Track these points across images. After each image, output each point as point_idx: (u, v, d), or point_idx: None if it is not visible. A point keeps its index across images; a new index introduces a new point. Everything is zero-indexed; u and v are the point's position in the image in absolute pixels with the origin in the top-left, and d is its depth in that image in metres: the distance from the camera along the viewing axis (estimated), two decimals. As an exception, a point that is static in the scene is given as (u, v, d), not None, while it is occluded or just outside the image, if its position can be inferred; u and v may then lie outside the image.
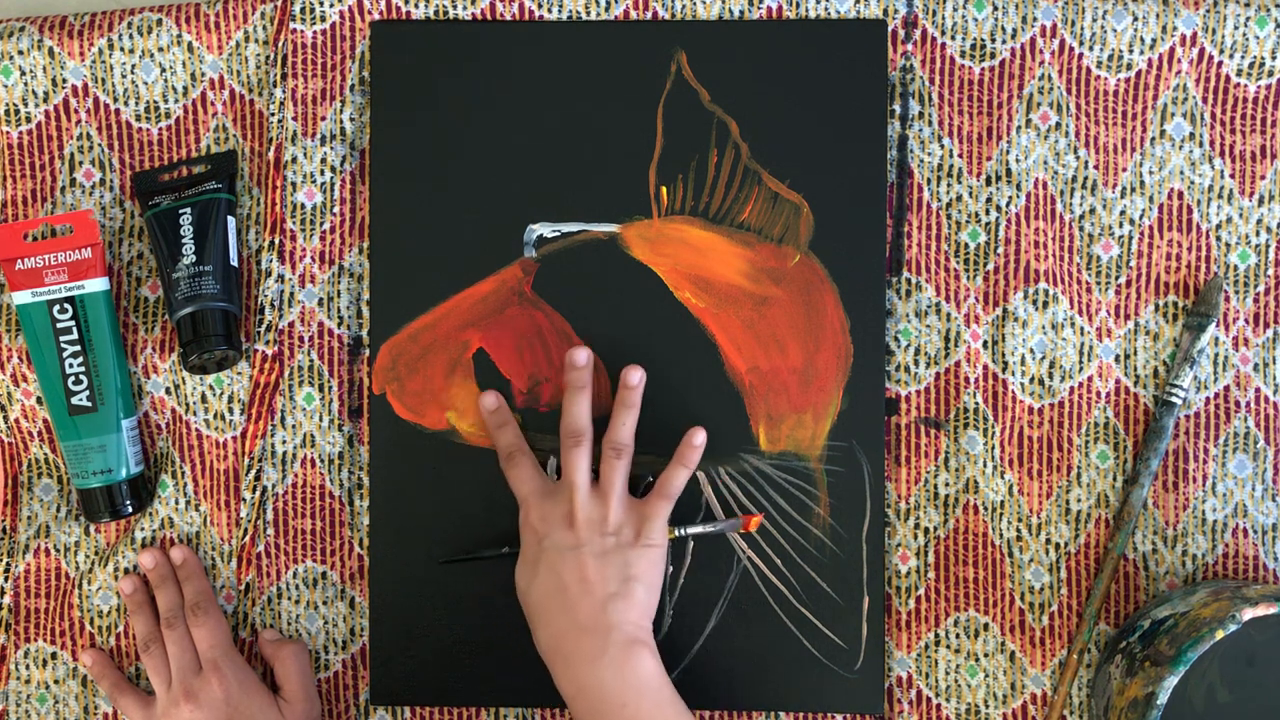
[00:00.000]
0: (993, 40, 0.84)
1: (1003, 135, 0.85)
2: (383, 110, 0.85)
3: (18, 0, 0.91)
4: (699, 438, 0.82)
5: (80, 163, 0.86)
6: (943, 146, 0.85)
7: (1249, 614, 0.74)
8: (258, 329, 0.85)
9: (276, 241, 0.85)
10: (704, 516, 0.84)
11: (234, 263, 0.84)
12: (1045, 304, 0.84)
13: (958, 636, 0.85)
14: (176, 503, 0.86)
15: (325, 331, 0.86)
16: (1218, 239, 0.85)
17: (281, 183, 0.85)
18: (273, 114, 0.85)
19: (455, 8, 0.86)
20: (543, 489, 0.81)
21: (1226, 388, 0.84)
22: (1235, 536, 0.84)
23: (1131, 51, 0.84)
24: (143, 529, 0.86)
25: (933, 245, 0.85)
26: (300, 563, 0.86)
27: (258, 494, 0.85)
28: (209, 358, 0.83)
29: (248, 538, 0.86)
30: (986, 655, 0.85)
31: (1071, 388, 0.85)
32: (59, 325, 0.83)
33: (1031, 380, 0.84)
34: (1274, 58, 0.84)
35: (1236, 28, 0.84)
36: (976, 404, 0.85)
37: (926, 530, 0.85)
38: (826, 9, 0.85)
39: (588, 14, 0.85)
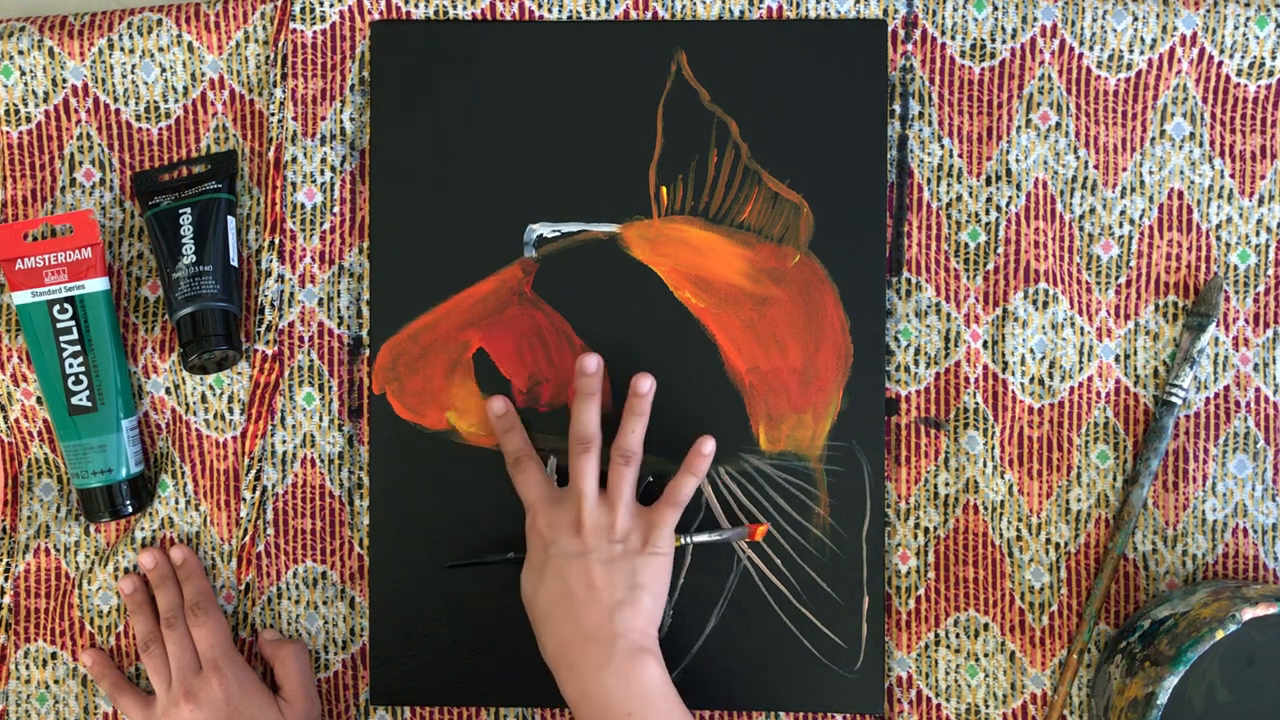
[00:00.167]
0: (993, 40, 0.84)
1: (1003, 135, 0.85)
2: (383, 110, 0.85)
3: (18, 0, 0.91)
4: (708, 446, 0.82)
5: (80, 163, 0.86)
6: (943, 146, 0.85)
7: (1249, 614, 0.74)
8: (258, 329, 0.85)
9: (276, 241, 0.85)
10: (705, 517, 0.84)
11: (234, 263, 0.84)
12: (1045, 304, 0.84)
13: (958, 636, 0.85)
14: (176, 503, 0.86)
15: (325, 331, 0.86)
16: (1218, 239, 0.85)
17: (281, 183, 0.85)
18: (273, 114, 0.85)
19: (455, 8, 0.86)
20: (550, 495, 0.81)
21: (1226, 388, 0.84)
22: (1235, 536, 0.84)
23: (1131, 51, 0.84)
24: (143, 529, 0.86)
25: (933, 245, 0.85)
26: (300, 563, 0.86)
27: (258, 494, 0.85)
28: (209, 358, 0.83)
29: (248, 538, 0.86)
30: (986, 655, 0.85)
31: (1071, 388, 0.85)
32: (59, 325, 0.83)
33: (1031, 380, 0.85)
34: (1274, 58, 0.84)
35: (1236, 28, 0.84)
36: (976, 404, 0.85)
37: (926, 530, 0.85)
38: (826, 9, 0.85)
39: (588, 14, 0.85)
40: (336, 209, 0.86)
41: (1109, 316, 0.85)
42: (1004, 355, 0.85)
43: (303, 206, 0.86)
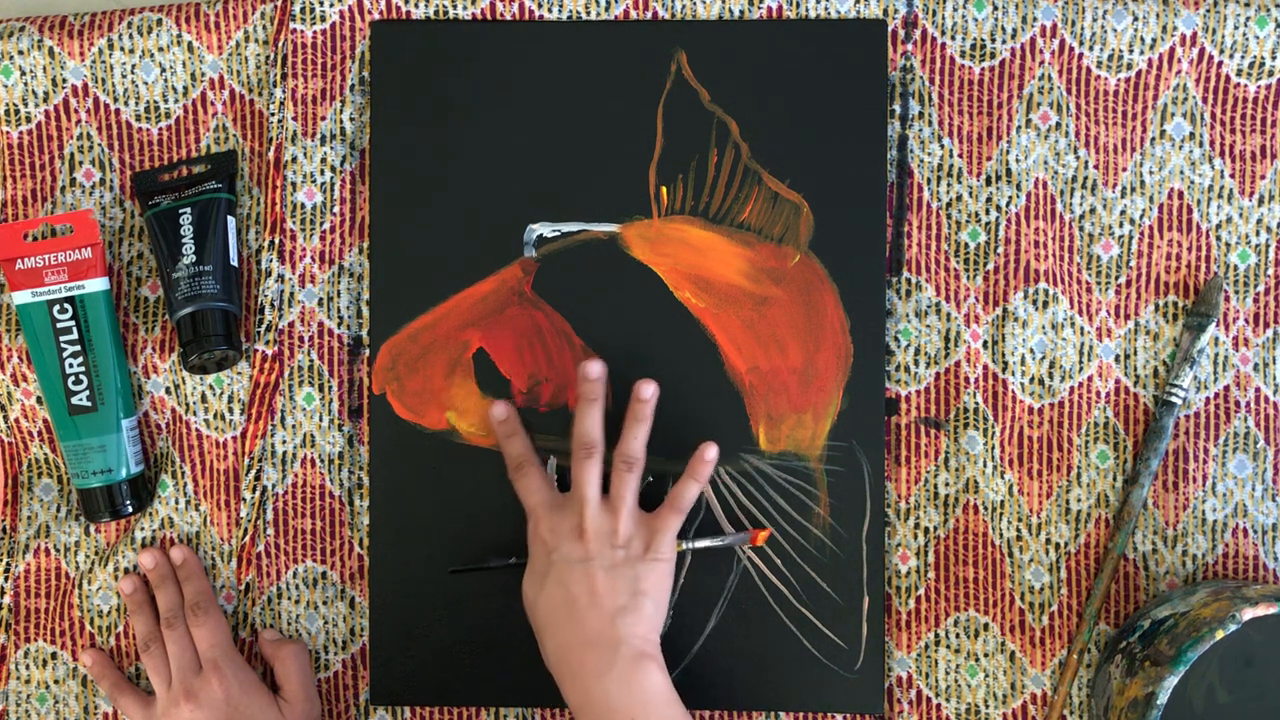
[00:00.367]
0: (993, 40, 0.84)
1: (1003, 135, 0.85)
2: (383, 110, 0.85)
3: (18, 0, 0.91)
4: (711, 453, 0.82)
5: (80, 163, 0.86)
6: (943, 146, 0.85)
7: (1249, 614, 0.74)
8: (258, 329, 0.85)
9: (276, 241, 0.85)
10: (705, 517, 0.84)
11: (234, 263, 0.84)
12: (1045, 304, 0.84)
13: (958, 636, 0.85)
14: (176, 503, 0.86)
15: (325, 331, 0.86)
16: (1218, 239, 0.85)
17: (281, 183, 0.85)
18: (273, 114, 0.85)
19: (455, 8, 0.86)
20: (552, 500, 0.81)
21: (1226, 388, 0.84)
22: (1235, 536, 0.84)
23: (1131, 51, 0.84)
24: (143, 529, 0.86)
25: (933, 245, 0.85)
26: (300, 563, 0.86)
27: (258, 494, 0.85)
28: (209, 358, 0.83)
29: (248, 538, 0.86)
30: (986, 655, 0.85)
31: (1071, 388, 0.85)
32: (59, 325, 0.83)
33: (1031, 380, 0.85)
34: (1274, 58, 0.84)
35: (1236, 28, 0.84)
36: (976, 404, 0.85)
37: (926, 530, 0.85)
38: (826, 9, 0.85)
39: (588, 14, 0.85)
40: (336, 209, 0.86)
41: (1109, 316, 0.85)
42: (1004, 355, 0.85)
43: (303, 206, 0.86)
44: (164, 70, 0.86)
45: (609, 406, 0.84)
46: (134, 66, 0.86)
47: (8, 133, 0.86)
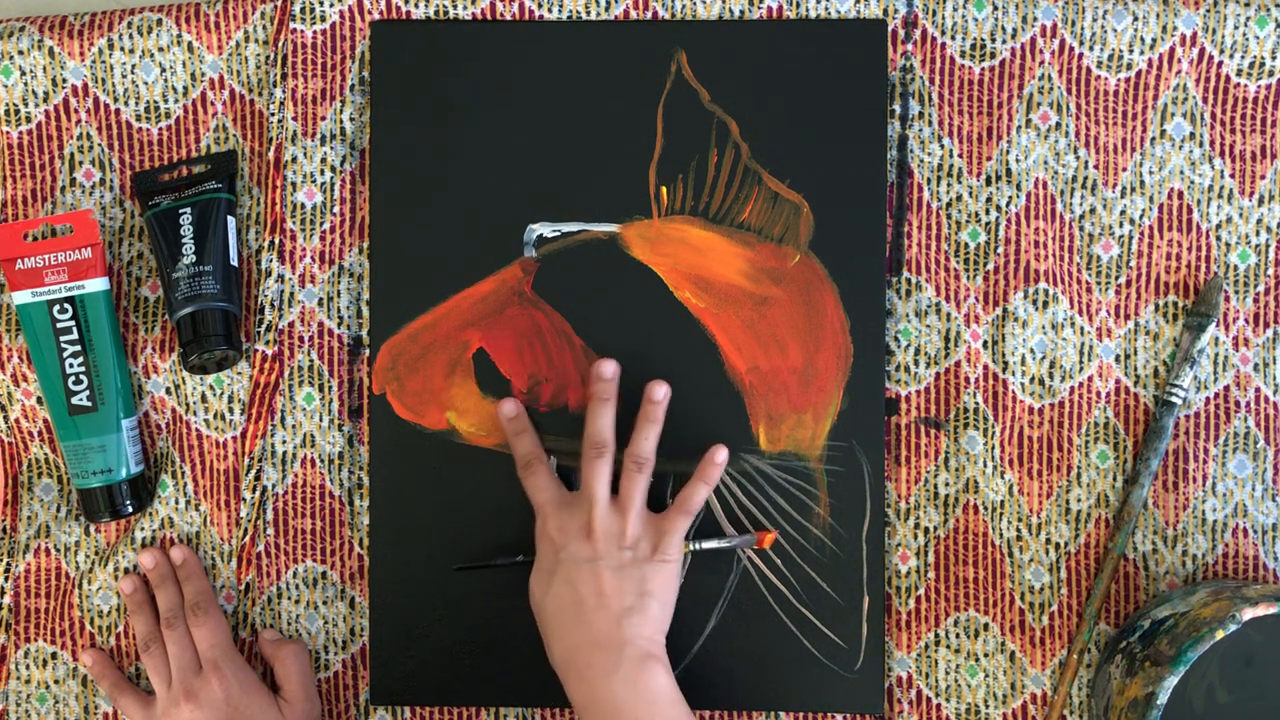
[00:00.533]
0: (993, 40, 0.84)
1: (1003, 135, 0.85)
2: (383, 110, 0.85)
3: (18, 0, 0.91)
4: (721, 455, 0.82)
5: (80, 163, 0.86)
6: (943, 146, 0.85)
7: (1249, 614, 0.74)
8: (258, 329, 0.85)
9: (276, 241, 0.85)
10: (705, 517, 0.84)
11: (234, 263, 0.84)
12: (1045, 304, 0.84)
13: (958, 636, 0.85)
14: (176, 503, 0.86)
15: (325, 331, 0.86)
16: (1218, 239, 0.85)
17: (281, 183, 0.85)
18: (273, 114, 0.85)
19: (455, 8, 0.86)
20: (560, 499, 0.81)
21: (1226, 388, 0.84)
22: (1235, 536, 0.84)
23: (1131, 51, 0.84)
24: (143, 529, 0.86)
25: (933, 245, 0.85)
26: (300, 563, 0.86)
27: (258, 494, 0.85)
28: (209, 358, 0.83)
29: (248, 538, 0.86)
30: (986, 655, 0.85)
31: (1071, 388, 0.85)
32: (59, 325, 0.83)
33: (1031, 380, 0.85)
34: (1274, 58, 0.84)
35: (1236, 28, 0.84)
36: (976, 404, 0.85)
37: (926, 530, 0.85)
38: (826, 9, 0.85)
39: (588, 14, 0.85)
40: (336, 209, 0.86)
41: (1109, 316, 0.85)
42: (1004, 355, 0.85)
43: (303, 206, 0.86)
44: (164, 70, 0.86)
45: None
46: (134, 66, 0.86)
47: (8, 133, 0.86)
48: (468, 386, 0.85)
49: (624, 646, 0.77)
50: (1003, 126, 0.85)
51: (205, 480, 0.86)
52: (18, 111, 0.86)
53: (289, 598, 0.86)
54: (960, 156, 0.85)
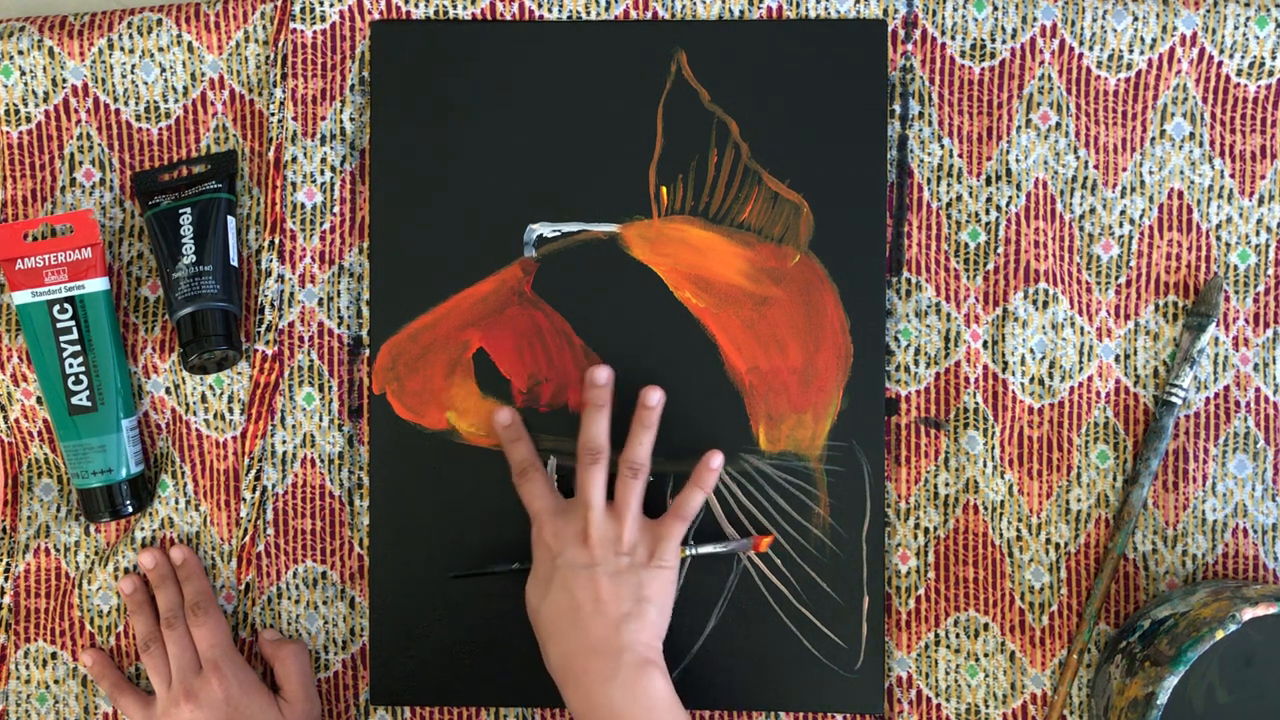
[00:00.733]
0: (993, 40, 0.84)
1: (1003, 135, 0.85)
2: (383, 110, 0.85)
3: (18, 0, 0.91)
4: (716, 461, 0.82)
5: (80, 163, 0.86)
6: (943, 146, 0.85)
7: (1249, 614, 0.74)
8: (258, 329, 0.85)
9: (276, 241, 0.85)
10: (705, 517, 0.84)
11: (234, 263, 0.84)
12: (1045, 304, 0.84)
13: (958, 636, 0.85)
14: (176, 503, 0.86)
15: (325, 331, 0.86)
16: (1218, 239, 0.85)
17: (281, 183, 0.85)
18: (273, 114, 0.86)
19: (455, 8, 0.86)
20: (556, 505, 0.81)
21: (1226, 388, 0.84)
22: (1235, 536, 0.84)
23: (1131, 51, 0.84)
24: (143, 529, 0.86)
25: (933, 245, 0.85)
26: (300, 563, 0.86)
27: (258, 494, 0.85)
28: (209, 358, 0.83)
29: (248, 538, 0.86)
30: (986, 655, 0.85)
31: (1071, 388, 0.85)
32: (59, 325, 0.83)
33: (1031, 380, 0.85)
34: (1274, 58, 0.84)
35: (1236, 28, 0.84)
36: (976, 404, 0.85)
37: (926, 530, 0.85)
38: (826, 9, 0.85)
39: (588, 14, 0.85)
40: (336, 209, 0.86)
41: (1109, 316, 0.85)
42: (1004, 355, 0.85)
43: (303, 206, 0.86)
44: (164, 70, 0.86)
45: (612, 409, 0.84)
46: (134, 66, 0.86)
47: (8, 133, 0.86)
48: (468, 386, 0.85)
49: (622, 652, 0.77)
50: (1003, 126, 0.85)
51: (205, 480, 0.86)
52: (18, 111, 0.86)
53: (289, 598, 0.86)
54: (960, 156, 0.85)
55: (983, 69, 0.85)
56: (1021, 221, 0.85)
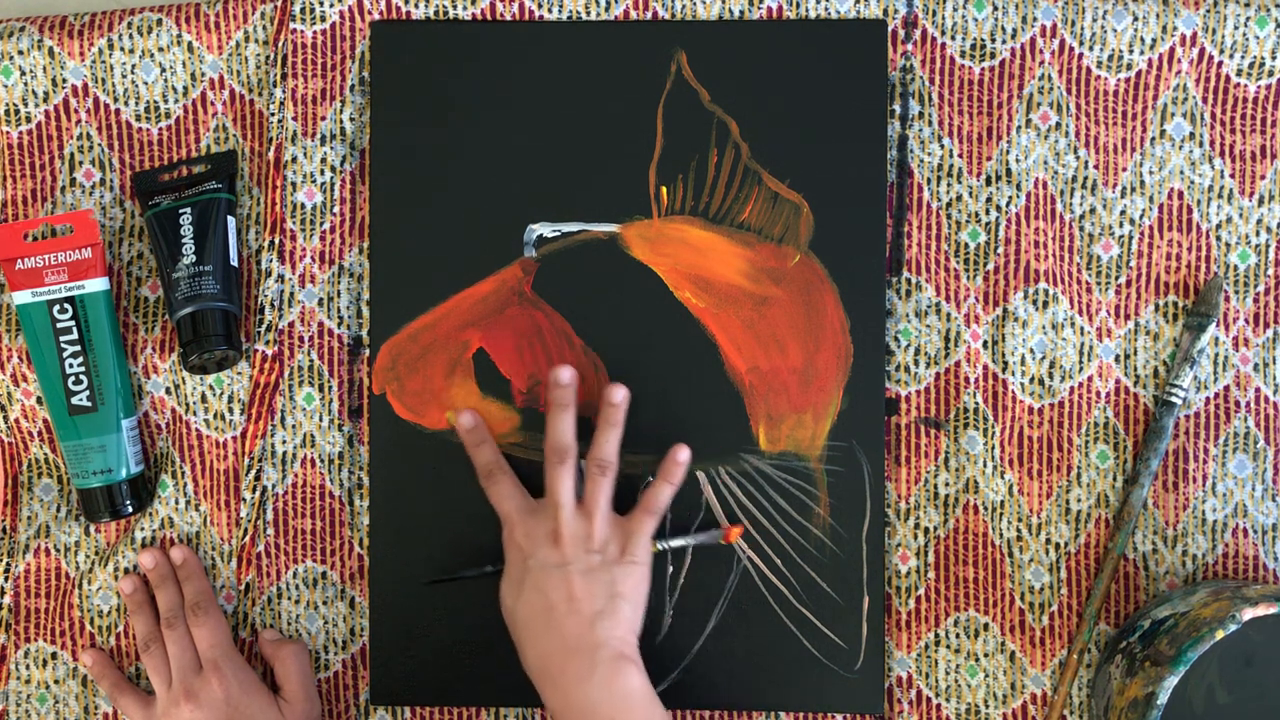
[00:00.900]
0: (993, 40, 0.84)
1: (1003, 135, 0.85)
2: (383, 110, 0.85)
3: (18, 0, 0.91)
4: (683, 455, 0.82)
5: (80, 163, 0.86)
6: (943, 146, 0.85)
7: (1249, 614, 0.74)
8: (258, 329, 0.85)
9: (276, 241, 0.85)
10: (705, 517, 0.84)
11: (234, 263, 0.84)
12: (1045, 304, 0.84)
13: (958, 636, 0.85)
14: (176, 503, 0.86)
15: (325, 331, 0.86)
16: (1218, 239, 0.85)
17: (281, 183, 0.85)
18: (273, 114, 0.86)
19: (455, 8, 0.86)
20: (525, 506, 0.81)
21: (1226, 388, 0.84)
22: (1235, 536, 0.84)
23: (1131, 51, 0.84)
24: (143, 529, 0.86)
25: (933, 245, 0.85)
26: (300, 563, 0.86)
27: (258, 494, 0.85)
28: (209, 358, 0.83)
29: (248, 538, 0.86)
30: (986, 655, 0.85)
31: (1071, 388, 0.85)
32: (59, 325, 0.83)
33: (1031, 380, 0.85)
34: (1274, 58, 0.84)
35: (1236, 28, 0.84)
36: (976, 404, 0.85)
37: (926, 530, 0.85)
38: (826, 9, 0.85)
39: (588, 14, 0.85)
40: (336, 209, 0.86)
41: (1109, 316, 0.85)
42: (1004, 355, 0.85)
43: (303, 206, 0.86)
44: (164, 70, 0.86)
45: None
46: (134, 66, 0.86)
47: (8, 133, 0.86)
48: (468, 386, 0.85)
49: (597, 650, 0.77)
50: (1003, 126, 0.85)
51: (205, 480, 0.86)
52: (18, 111, 0.86)
53: (289, 598, 0.86)
54: (960, 156, 0.85)
55: (983, 69, 0.85)
56: (1021, 221, 0.85)
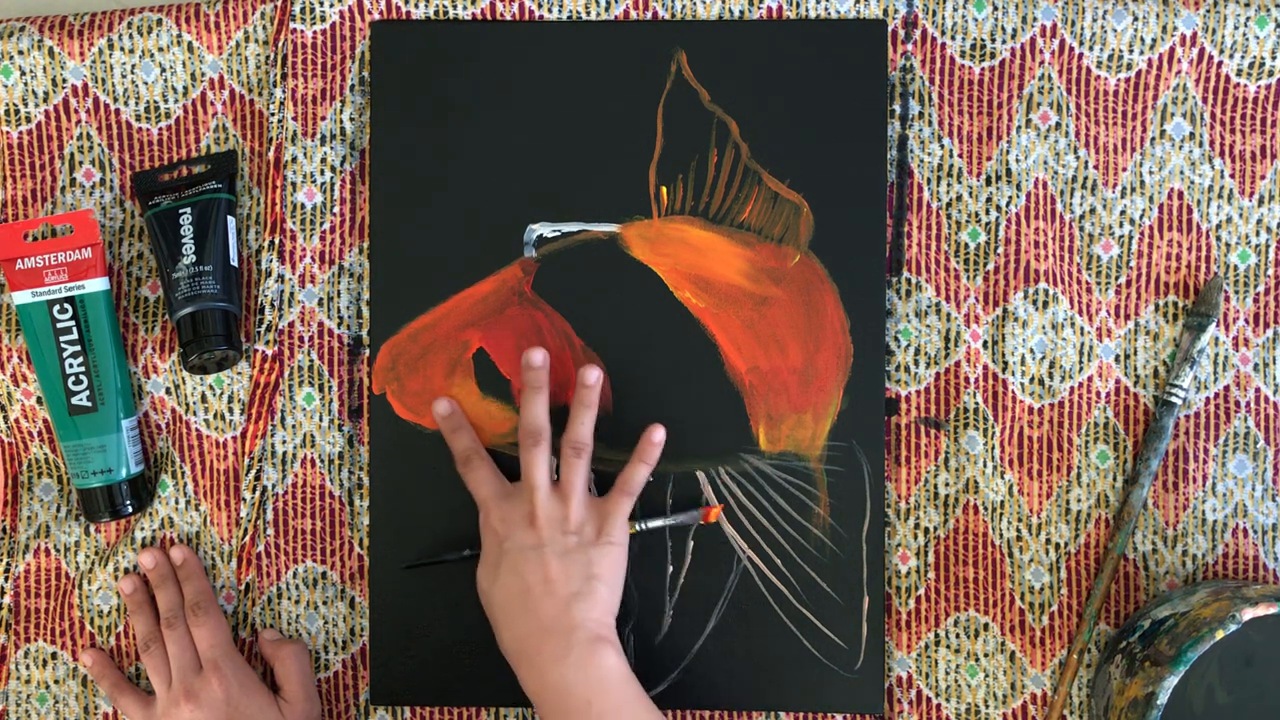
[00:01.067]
0: (993, 40, 0.84)
1: (1003, 135, 0.85)
2: (383, 110, 0.85)
3: (18, 0, 0.91)
4: (658, 435, 0.82)
5: (80, 163, 0.86)
6: (943, 146, 0.85)
7: (1249, 614, 0.74)
8: (258, 329, 0.85)
9: (276, 241, 0.85)
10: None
11: (234, 263, 0.84)
12: (1045, 304, 0.84)
13: (958, 636, 0.85)
14: (176, 503, 0.86)
15: (325, 331, 0.86)
16: (1218, 239, 0.85)
17: (281, 183, 0.85)
18: (273, 114, 0.86)
19: (455, 8, 0.86)
20: (502, 490, 0.81)
21: (1226, 388, 0.84)
22: (1235, 536, 0.84)
23: (1131, 51, 0.84)
24: (143, 529, 0.86)
25: (933, 245, 0.85)
26: (300, 563, 0.86)
27: (258, 494, 0.85)
28: (209, 358, 0.83)
29: (248, 538, 0.86)
30: (986, 655, 0.85)
31: (1071, 388, 0.85)
32: (59, 325, 0.83)
33: (1031, 380, 0.85)
34: (1274, 58, 0.84)
35: (1236, 28, 0.84)
36: (976, 404, 0.85)
37: (926, 530, 0.85)
38: (826, 9, 0.85)
39: (588, 14, 0.85)
40: (336, 209, 0.86)
41: (1109, 316, 0.85)
42: (1004, 355, 0.85)
43: (303, 206, 0.86)
44: (164, 70, 0.86)
45: (608, 409, 0.84)
46: (134, 66, 0.86)
47: (8, 133, 0.86)
48: (468, 386, 0.85)
49: (573, 631, 0.77)
50: (1003, 126, 0.85)
51: (205, 480, 0.86)
52: (18, 111, 0.86)
53: (289, 598, 0.86)
54: (960, 156, 0.85)
55: (983, 69, 0.85)
56: (1021, 221, 0.85)
